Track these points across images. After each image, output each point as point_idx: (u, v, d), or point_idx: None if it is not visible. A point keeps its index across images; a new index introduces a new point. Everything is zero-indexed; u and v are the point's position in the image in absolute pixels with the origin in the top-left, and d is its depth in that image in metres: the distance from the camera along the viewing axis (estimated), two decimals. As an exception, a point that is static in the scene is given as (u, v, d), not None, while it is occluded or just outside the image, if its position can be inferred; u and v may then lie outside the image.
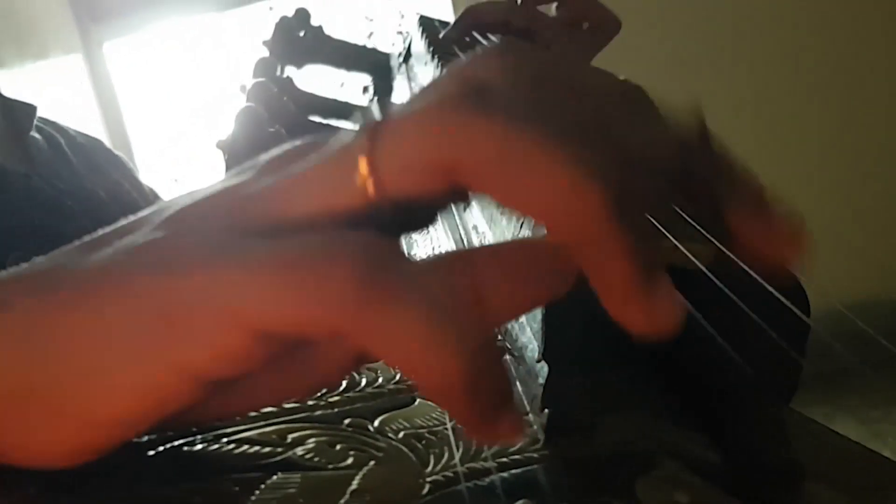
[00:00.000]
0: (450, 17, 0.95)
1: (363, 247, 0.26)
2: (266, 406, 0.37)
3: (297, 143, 0.32)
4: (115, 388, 0.28)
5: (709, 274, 0.39)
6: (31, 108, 0.86)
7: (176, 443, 0.35)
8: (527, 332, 0.42)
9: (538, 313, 0.40)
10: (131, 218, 0.32)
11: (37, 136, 0.84)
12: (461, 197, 0.29)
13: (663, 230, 0.40)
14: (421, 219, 0.31)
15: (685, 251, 0.40)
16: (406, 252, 0.28)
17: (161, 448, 0.34)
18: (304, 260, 0.26)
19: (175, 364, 0.28)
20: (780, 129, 2.93)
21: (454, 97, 0.28)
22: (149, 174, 3.27)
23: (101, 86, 3.26)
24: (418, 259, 0.27)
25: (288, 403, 0.38)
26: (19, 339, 0.29)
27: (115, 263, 0.29)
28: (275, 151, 0.33)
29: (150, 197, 0.96)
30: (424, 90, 0.30)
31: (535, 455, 0.36)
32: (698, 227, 0.41)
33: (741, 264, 0.40)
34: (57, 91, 2.93)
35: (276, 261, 0.27)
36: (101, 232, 0.32)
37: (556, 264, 0.29)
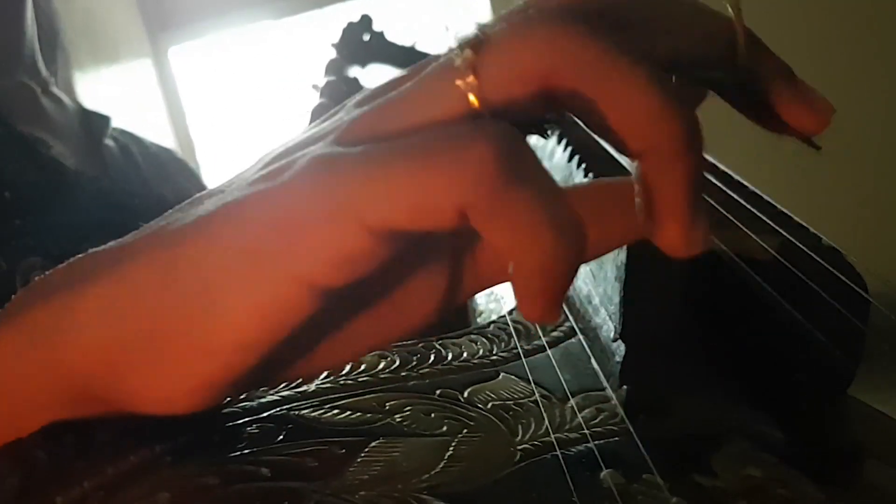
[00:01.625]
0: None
1: (504, 129, 0.26)
2: (363, 353, 0.37)
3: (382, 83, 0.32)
4: (233, 309, 0.28)
5: (782, 260, 0.38)
6: (105, 119, 0.87)
7: (285, 407, 0.34)
8: (601, 313, 0.42)
9: (615, 296, 0.40)
10: (234, 175, 0.32)
11: (110, 143, 0.85)
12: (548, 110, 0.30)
13: (737, 223, 0.40)
14: None
15: (758, 240, 0.39)
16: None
17: (273, 411, 0.34)
18: (438, 143, 0.26)
19: (292, 275, 0.27)
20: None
21: (548, 11, 0.29)
22: (210, 170, 3.30)
23: (167, 88, 3.28)
24: None
25: (384, 374, 0.38)
26: (139, 285, 0.29)
27: (225, 199, 0.29)
28: (363, 92, 0.33)
29: None
30: (510, 14, 0.31)
31: (616, 428, 0.35)
32: (766, 220, 0.41)
33: (809, 252, 0.39)
34: (128, 92, 2.95)
35: (401, 150, 0.26)
36: (203, 192, 0.32)
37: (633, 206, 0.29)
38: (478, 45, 0.28)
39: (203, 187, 0.98)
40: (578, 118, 0.30)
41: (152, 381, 0.30)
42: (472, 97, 0.28)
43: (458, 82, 0.28)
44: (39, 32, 0.83)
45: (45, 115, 0.79)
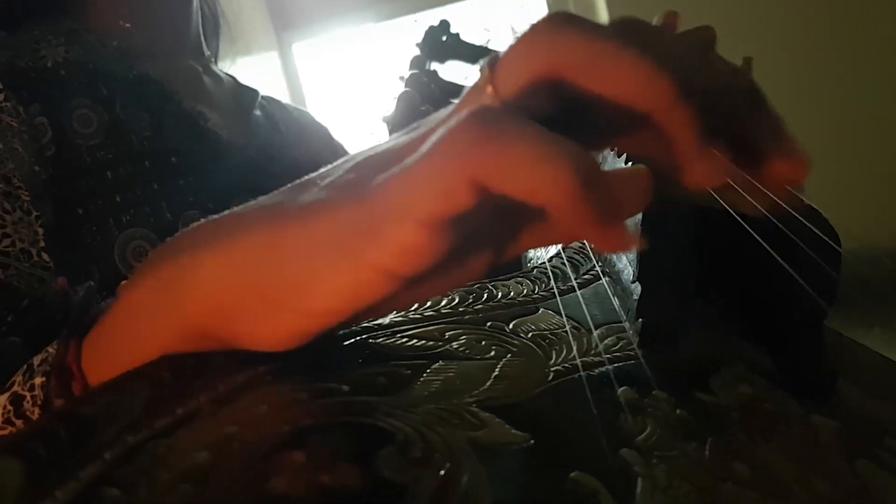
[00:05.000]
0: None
1: (470, 111, 0.26)
2: (431, 297, 0.37)
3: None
4: (326, 285, 0.28)
5: (772, 218, 0.38)
6: (254, 93, 0.87)
7: (363, 336, 0.35)
8: (622, 260, 0.42)
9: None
10: (329, 167, 0.33)
11: (257, 112, 0.85)
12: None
13: (736, 186, 0.39)
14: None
15: (752, 201, 0.39)
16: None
17: (354, 339, 0.34)
18: (434, 143, 0.27)
19: (369, 263, 0.28)
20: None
21: (545, 19, 0.29)
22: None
23: (290, 78, 3.29)
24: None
25: (445, 310, 0.38)
26: (251, 252, 0.30)
27: (320, 195, 0.30)
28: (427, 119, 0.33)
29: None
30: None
31: (632, 354, 0.35)
32: (759, 186, 0.40)
33: (790, 210, 0.38)
34: (258, 81, 2.97)
35: (422, 155, 0.27)
36: (307, 177, 0.33)
37: None
38: (493, 62, 0.29)
39: (332, 144, 0.99)
40: (585, 106, 0.29)
41: (257, 329, 0.30)
42: (492, 96, 0.29)
43: (483, 97, 0.29)
44: (203, 18, 0.84)
45: (205, 91, 0.80)
